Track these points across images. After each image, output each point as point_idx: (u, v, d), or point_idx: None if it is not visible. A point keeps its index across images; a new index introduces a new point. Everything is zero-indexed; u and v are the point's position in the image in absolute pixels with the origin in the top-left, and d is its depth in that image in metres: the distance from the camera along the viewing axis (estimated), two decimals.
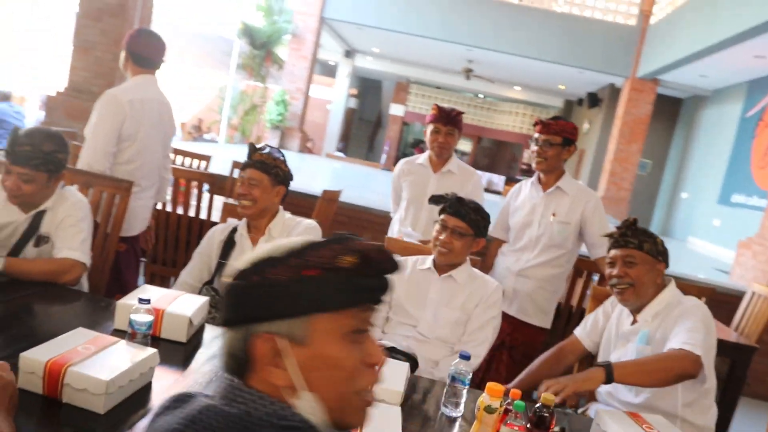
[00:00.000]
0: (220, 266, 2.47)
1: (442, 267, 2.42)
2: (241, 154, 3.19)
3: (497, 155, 23.56)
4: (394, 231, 3.44)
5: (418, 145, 22.38)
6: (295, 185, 2.64)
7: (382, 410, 1.46)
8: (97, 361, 1.39)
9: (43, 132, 2.22)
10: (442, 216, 2.39)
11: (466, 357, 1.68)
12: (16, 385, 1.20)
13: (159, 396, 1.49)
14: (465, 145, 21.95)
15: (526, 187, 3.06)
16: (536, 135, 2.90)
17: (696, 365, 1.86)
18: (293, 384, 0.82)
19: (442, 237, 2.35)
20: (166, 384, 1.56)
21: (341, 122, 17.60)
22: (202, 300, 2.00)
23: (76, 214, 2.28)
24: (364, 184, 9.56)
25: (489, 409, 1.44)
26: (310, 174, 9.77)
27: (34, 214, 2.24)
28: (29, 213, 2.24)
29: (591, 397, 2.34)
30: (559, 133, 2.86)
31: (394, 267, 0.90)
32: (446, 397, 1.68)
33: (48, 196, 2.26)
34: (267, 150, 2.49)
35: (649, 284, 2.13)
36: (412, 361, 2.27)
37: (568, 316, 3.24)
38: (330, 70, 18.76)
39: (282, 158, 2.52)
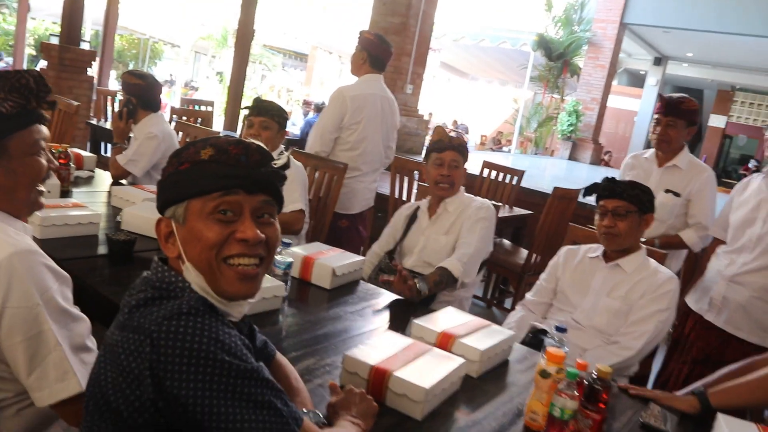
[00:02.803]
0: (403, 238, 2.69)
1: (611, 255, 2.26)
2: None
3: None
4: None
5: (746, 162, 19.53)
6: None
7: (443, 357, 1.50)
8: None
9: (272, 101, 2.91)
10: (599, 203, 2.24)
11: (561, 329, 1.60)
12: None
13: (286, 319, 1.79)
14: None
15: (757, 180, 2.61)
16: None
17: None
18: (181, 255, 1.03)
19: (605, 223, 2.21)
20: (292, 314, 1.85)
21: (647, 135, 16.36)
22: (355, 258, 2.25)
23: (293, 176, 2.79)
24: None
25: (543, 374, 1.37)
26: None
27: None
28: None
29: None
30: None
31: (259, 159, 1.05)
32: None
33: (272, 151, 2.83)
34: (455, 134, 2.64)
35: None
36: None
37: None
38: (640, 81, 17.61)
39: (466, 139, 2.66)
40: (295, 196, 2.79)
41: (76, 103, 3.89)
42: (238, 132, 5.79)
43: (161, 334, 0.88)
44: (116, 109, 3.33)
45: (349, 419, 1.19)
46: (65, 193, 2.77)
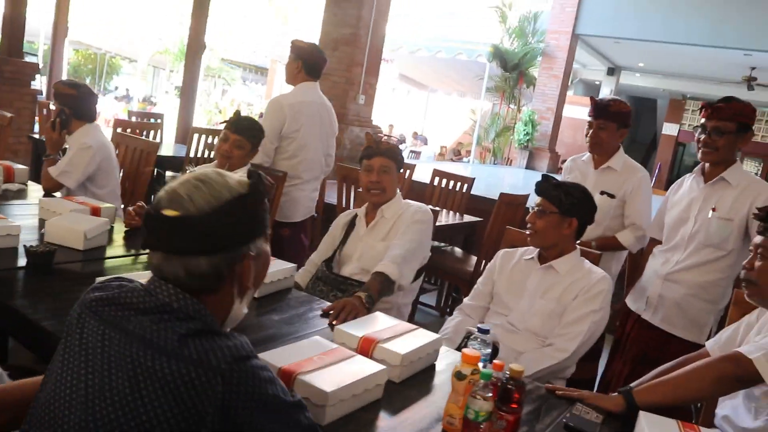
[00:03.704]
0: (341, 245, 2.65)
1: (545, 256, 2.26)
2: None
3: None
4: None
5: None
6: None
7: (363, 364, 1.46)
8: None
9: (253, 119, 2.96)
10: None
11: (483, 331, 1.57)
12: None
13: None
14: (752, 166, 18.96)
15: (689, 180, 2.65)
16: (702, 121, 2.51)
17: (739, 367, 1.52)
18: (245, 288, 1.10)
19: (527, 218, 2.23)
20: None
21: None
22: (285, 266, 2.24)
23: None
24: None
25: (459, 375, 1.34)
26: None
27: None
28: None
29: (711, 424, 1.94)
30: (733, 119, 2.42)
31: None
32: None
33: (239, 167, 2.86)
34: (388, 138, 2.62)
35: None
36: (494, 350, 2.16)
37: None
38: (596, 91, 17.99)
39: (399, 145, 2.65)
40: None
41: (9, 115, 3.76)
42: (192, 145, 5.65)
43: (233, 374, 0.94)
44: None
45: None
46: None
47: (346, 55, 6.50)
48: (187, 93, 7.17)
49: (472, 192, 5.07)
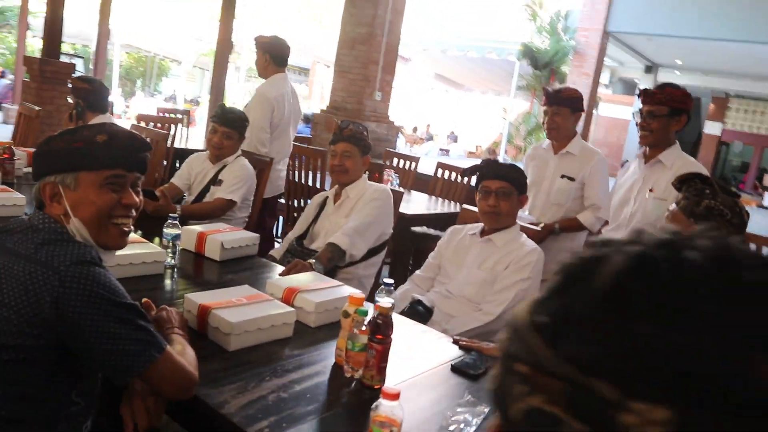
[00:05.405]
0: (313, 223, 2.91)
1: (487, 231, 2.47)
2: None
3: None
4: None
5: (747, 171, 19.56)
6: None
7: (275, 306, 1.72)
8: None
9: (237, 109, 3.28)
10: (482, 183, 2.43)
11: (387, 284, 1.80)
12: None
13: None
14: None
15: (634, 163, 2.81)
16: (639, 106, 2.68)
17: None
18: (66, 213, 1.30)
19: (489, 202, 2.40)
20: (182, 279, 2.07)
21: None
22: (246, 234, 2.49)
23: (239, 172, 3.16)
24: None
25: (344, 314, 1.58)
26: None
27: (220, 167, 3.18)
28: (216, 165, 3.19)
29: None
30: (665, 103, 2.60)
31: (140, 147, 1.37)
32: None
33: (230, 155, 3.19)
34: (352, 126, 2.88)
35: None
36: (428, 312, 2.38)
37: None
38: (633, 89, 17.76)
39: (366, 132, 2.89)
40: (234, 188, 3.10)
41: (36, 108, 4.17)
42: None
43: (68, 275, 1.17)
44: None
45: (176, 332, 1.45)
46: (6, 183, 3.03)
47: (362, 53, 6.77)
48: (216, 92, 7.58)
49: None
